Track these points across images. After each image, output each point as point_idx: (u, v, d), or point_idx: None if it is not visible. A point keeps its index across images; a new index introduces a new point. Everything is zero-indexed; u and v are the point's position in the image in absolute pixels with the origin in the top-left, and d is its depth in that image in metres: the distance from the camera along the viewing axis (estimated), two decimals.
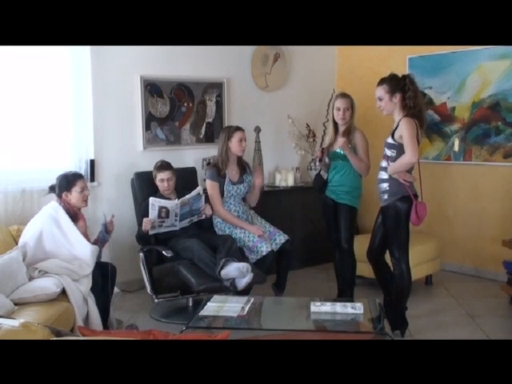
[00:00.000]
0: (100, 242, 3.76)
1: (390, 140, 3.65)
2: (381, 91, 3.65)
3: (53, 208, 3.59)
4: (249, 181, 4.46)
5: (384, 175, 3.70)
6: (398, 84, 3.63)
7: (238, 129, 4.36)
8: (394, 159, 3.62)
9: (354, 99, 4.22)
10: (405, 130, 3.53)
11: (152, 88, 4.95)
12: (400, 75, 3.69)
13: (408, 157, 3.51)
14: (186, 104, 5.18)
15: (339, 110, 4.13)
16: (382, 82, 3.68)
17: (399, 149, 3.58)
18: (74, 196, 3.65)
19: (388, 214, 3.69)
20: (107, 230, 3.78)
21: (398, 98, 3.61)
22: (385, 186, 3.68)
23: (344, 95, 4.22)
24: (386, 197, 3.68)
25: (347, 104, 4.14)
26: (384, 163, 3.70)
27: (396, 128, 3.62)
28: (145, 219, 3.97)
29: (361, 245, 4.21)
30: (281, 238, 4.32)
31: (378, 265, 3.93)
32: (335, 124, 4.22)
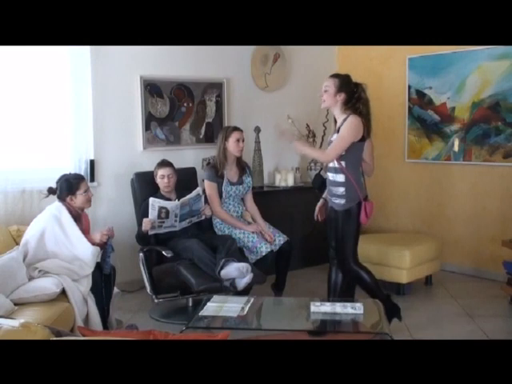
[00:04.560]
0: (108, 255, 3.70)
1: (335, 138, 3.58)
2: (330, 83, 3.61)
3: (56, 208, 3.60)
4: (248, 182, 4.46)
5: (339, 178, 3.61)
6: (348, 85, 3.59)
7: (236, 129, 4.36)
8: (344, 158, 3.55)
9: None
10: (346, 129, 3.49)
11: (152, 88, 4.95)
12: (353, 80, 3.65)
13: (325, 155, 3.55)
14: (185, 104, 5.18)
15: None
16: (335, 76, 3.66)
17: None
18: (79, 199, 3.65)
19: (342, 217, 3.64)
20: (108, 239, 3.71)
21: (341, 97, 3.58)
22: (341, 190, 3.61)
23: None
24: (343, 202, 3.61)
25: None
26: (335, 163, 3.60)
27: (342, 124, 3.56)
28: (145, 219, 3.97)
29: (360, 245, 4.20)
30: (280, 238, 4.33)
31: (356, 273, 3.74)
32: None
